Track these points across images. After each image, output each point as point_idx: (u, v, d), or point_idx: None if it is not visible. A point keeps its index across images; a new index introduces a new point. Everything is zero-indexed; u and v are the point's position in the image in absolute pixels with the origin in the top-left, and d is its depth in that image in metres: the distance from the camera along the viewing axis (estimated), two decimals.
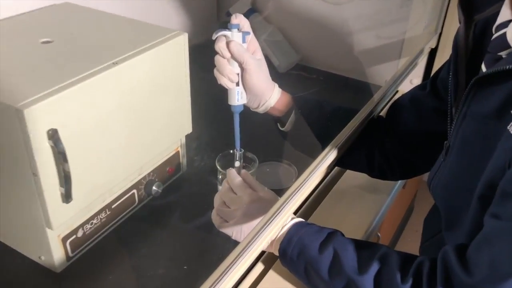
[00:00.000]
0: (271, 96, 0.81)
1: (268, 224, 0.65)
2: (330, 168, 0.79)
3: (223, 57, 0.72)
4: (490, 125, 0.57)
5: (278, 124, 0.87)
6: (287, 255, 0.69)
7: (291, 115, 0.84)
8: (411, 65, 1.12)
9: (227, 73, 0.74)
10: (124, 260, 0.82)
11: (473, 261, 0.54)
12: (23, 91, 0.62)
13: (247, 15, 1.39)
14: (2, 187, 0.70)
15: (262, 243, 0.65)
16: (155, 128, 0.83)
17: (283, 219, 0.69)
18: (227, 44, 0.71)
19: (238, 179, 0.76)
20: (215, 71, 0.75)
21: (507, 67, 0.54)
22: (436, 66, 1.29)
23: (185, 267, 0.79)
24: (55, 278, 0.76)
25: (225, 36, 0.71)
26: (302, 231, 0.69)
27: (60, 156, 0.63)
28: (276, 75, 1.37)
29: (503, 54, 0.59)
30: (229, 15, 1.41)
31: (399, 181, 1.05)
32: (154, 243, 0.84)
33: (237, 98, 0.76)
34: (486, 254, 0.53)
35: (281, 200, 0.69)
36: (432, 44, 1.24)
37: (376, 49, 1.34)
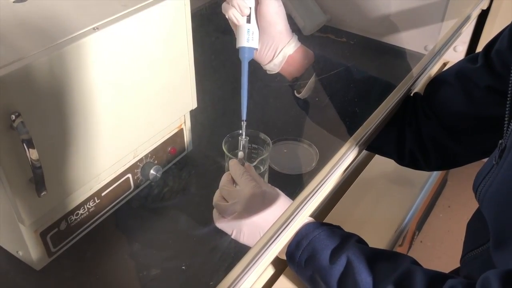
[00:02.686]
0: (288, 44, 0.67)
1: (281, 232, 0.53)
2: (353, 160, 0.65)
3: None
4: None
5: (295, 91, 0.74)
6: (295, 260, 0.60)
7: (311, 79, 0.70)
8: (458, 30, 0.95)
9: (236, 2, 0.61)
10: (116, 252, 0.72)
11: None
12: None
13: None
14: None
15: (275, 254, 0.54)
16: (152, 104, 0.70)
17: (299, 225, 0.57)
18: None
19: (240, 170, 0.64)
20: (223, 4, 0.63)
21: None
22: (487, 31, 1.11)
23: (183, 267, 0.69)
24: (35, 275, 0.67)
25: None
26: (313, 234, 0.59)
27: (25, 144, 0.52)
28: (301, 37, 1.23)
29: None
30: None
31: (435, 172, 0.90)
32: (150, 235, 0.74)
33: (247, 38, 0.63)
34: None
35: (296, 201, 0.56)
36: (484, 5, 1.06)
37: (415, 9, 1.16)
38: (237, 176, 0.64)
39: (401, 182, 0.85)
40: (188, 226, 0.75)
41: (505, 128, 0.54)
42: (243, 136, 0.68)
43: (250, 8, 0.62)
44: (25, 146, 0.52)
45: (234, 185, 0.66)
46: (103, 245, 0.72)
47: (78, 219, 0.69)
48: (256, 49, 0.66)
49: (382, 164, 0.87)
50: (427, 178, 0.88)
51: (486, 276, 0.45)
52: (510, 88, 0.54)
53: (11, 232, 0.64)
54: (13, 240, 0.65)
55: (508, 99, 0.54)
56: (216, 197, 0.65)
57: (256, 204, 0.61)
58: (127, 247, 0.72)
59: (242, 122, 0.68)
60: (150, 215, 0.77)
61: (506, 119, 0.55)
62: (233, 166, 0.66)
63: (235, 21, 0.63)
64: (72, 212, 0.67)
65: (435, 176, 0.90)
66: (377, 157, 0.90)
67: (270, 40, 0.66)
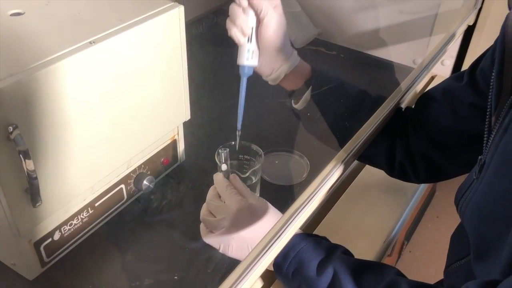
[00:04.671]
0: (288, 60, 0.69)
1: (271, 245, 0.54)
2: (342, 173, 0.67)
3: (239, 5, 0.63)
4: None
5: (292, 101, 0.76)
6: (282, 271, 0.61)
7: (307, 91, 0.72)
8: (445, 45, 0.97)
9: (239, 23, 0.63)
10: (109, 263, 0.72)
11: None
12: None
13: None
14: None
15: (265, 267, 0.55)
16: (146, 116, 0.71)
17: (288, 238, 0.58)
18: None
19: (225, 184, 0.65)
20: (227, 21, 0.66)
21: None
22: (473, 46, 1.14)
23: (175, 277, 0.70)
24: (28, 285, 0.67)
25: None
26: (300, 246, 0.60)
27: (21, 155, 0.53)
28: None
29: None
30: None
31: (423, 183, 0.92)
32: (143, 245, 0.74)
33: (247, 56, 0.65)
34: None
35: (287, 215, 0.58)
36: (470, 21, 1.09)
37: (404, 24, 1.19)
38: (222, 191, 0.65)
39: (390, 193, 0.87)
40: (181, 237, 0.76)
41: (484, 144, 0.56)
42: (223, 149, 0.69)
43: (252, 28, 0.65)
44: (22, 157, 0.53)
45: (221, 199, 0.66)
46: (95, 255, 0.72)
47: (72, 230, 0.69)
48: (255, 66, 0.68)
49: (371, 175, 0.89)
50: (415, 189, 0.90)
51: (466, 287, 0.47)
52: (489, 106, 0.56)
53: (5, 242, 0.64)
54: (7, 250, 0.66)
55: (487, 116, 0.56)
56: (203, 212, 0.66)
57: (244, 218, 0.62)
58: (119, 258, 0.73)
59: (237, 132, 0.70)
60: (143, 226, 0.77)
61: (485, 135, 0.57)
62: (218, 180, 0.67)
63: (236, 40, 0.66)
64: (66, 222, 0.68)
65: (423, 187, 0.92)
66: (366, 169, 0.91)
67: (269, 58, 0.69)
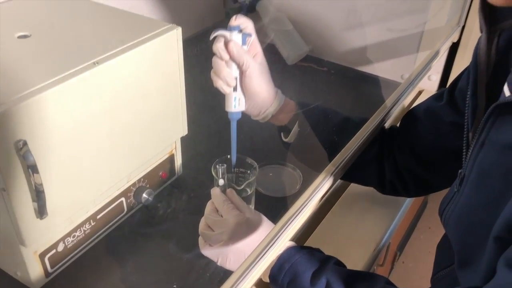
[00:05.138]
0: (272, 104, 0.73)
1: (264, 254, 0.57)
2: (331, 186, 0.70)
3: (221, 59, 0.65)
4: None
5: (282, 135, 0.80)
6: (278, 282, 0.63)
7: (295, 126, 0.76)
8: (431, 61, 1.02)
9: (224, 76, 0.66)
10: (110, 273, 0.75)
11: None
12: None
13: (255, 0, 1.30)
14: None
15: (257, 276, 0.58)
16: (145, 132, 0.75)
17: (280, 248, 0.62)
18: (226, 44, 0.64)
19: (222, 199, 0.69)
20: (211, 73, 0.68)
21: None
22: (458, 62, 1.19)
23: (174, 286, 0.73)
24: None
25: (223, 36, 0.64)
26: (295, 258, 0.63)
27: (30, 170, 0.56)
28: (285, 67, 1.29)
29: None
30: (236, 1, 1.32)
31: None
32: (142, 256, 0.77)
33: (234, 104, 0.69)
34: None
35: (278, 225, 0.61)
36: (454, 38, 1.14)
37: (392, 41, 1.24)
38: (220, 205, 0.68)
39: (380, 203, 0.91)
40: (178, 248, 0.79)
41: (463, 159, 0.60)
42: (220, 164, 0.72)
43: (236, 78, 0.68)
44: (30, 172, 0.56)
45: (219, 212, 0.69)
46: (96, 266, 0.75)
47: (75, 241, 0.72)
48: (243, 110, 0.72)
49: (362, 186, 0.92)
50: (405, 199, 0.93)
51: None
52: (466, 123, 0.60)
53: (10, 253, 0.67)
54: (12, 260, 0.69)
55: (465, 133, 0.60)
56: (202, 226, 0.69)
57: (241, 232, 0.65)
58: (120, 268, 0.76)
59: (232, 170, 0.73)
60: (142, 237, 0.80)
61: (464, 150, 0.61)
62: (215, 195, 0.70)
63: (222, 91, 0.69)
64: (69, 234, 0.71)
65: (411, 198, 0.96)
66: (352, 184, 0.95)
67: (255, 104, 0.72)
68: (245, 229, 0.65)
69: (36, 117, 0.57)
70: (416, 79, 0.94)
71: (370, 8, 1.21)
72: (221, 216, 0.68)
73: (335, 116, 0.80)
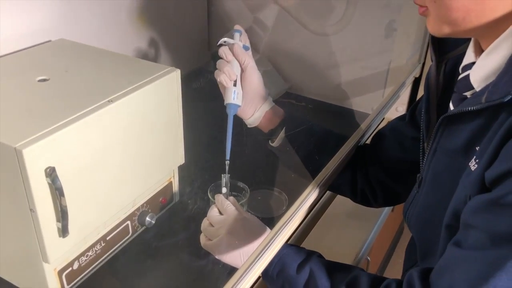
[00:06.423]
0: (265, 103, 0.86)
1: (261, 256, 0.67)
2: (318, 198, 0.81)
3: (226, 59, 0.81)
4: (457, 160, 0.60)
5: (269, 140, 0.91)
6: (268, 273, 0.73)
7: (282, 130, 0.88)
8: (396, 94, 1.16)
9: (226, 70, 0.80)
10: None
11: (434, 286, 0.56)
12: (21, 131, 0.64)
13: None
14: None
15: (253, 277, 0.67)
16: (149, 162, 0.85)
17: (275, 250, 0.72)
18: (230, 47, 0.81)
19: (224, 202, 0.80)
20: (215, 72, 0.83)
21: (469, 108, 0.56)
22: (420, 94, 1.33)
23: None
24: None
25: (228, 43, 0.81)
26: (283, 252, 0.73)
27: (57, 193, 0.65)
28: None
29: (467, 94, 0.61)
30: (220, 46, 1.45)
31: (386, 208, 1.08)
32: (147, 273, 0.86)
33: (233, 96, 0.81)
34: (446, 280, 0.55)
35: (273, 231, 0.71)
36: (416, 74, 1.29)
37: (363, 78, 1.38)
38: (221, 207, 0.80)
39: (357, 219, 1.02)
40: (177, 265, 0.88)
41: (421, 164, 0.72)
42: (226, 173, 0.83)
43: (237, 75, 0.82)
44: (58, 194, 0.65)
45: (220, 213, 0.80)
46: (105, 284, 0.83)
47: (88, 260, 0.80)
48: (240, 106, 0.84)
49: (341, 205, 1.04)
50: (379, 214, 1.04)
51: (410, 273, 0.61)
52: (421, 135, 0.73)
53: (30, 270, 0.74)
54: (31, 278, 0.76)
55: (421, 143, 0.72)
56: (204, 224, 0.80)
57: (238, 228, 0.75)
58: (127, 286, 0.84)
59: (226, 162, 0.84)
60: (144, 256, 0.89)
61: (421, 157, 0.73)
62: (219, 199, 0.81)
63: (224, 84, 0.82)
64: (83, 253, 0.79)
65: (386, 212, 1.07)
66: (335, 201, 1.06)
67: (251, 100, 0.85)
68: (242, 226, 0.75)
69: (62, 148, 0.66)
70: (384, 109, 1.07)
71: (345, 49, 1.35)
72: (222, 215, 0.78)
73: (318, 128, 0.93)
